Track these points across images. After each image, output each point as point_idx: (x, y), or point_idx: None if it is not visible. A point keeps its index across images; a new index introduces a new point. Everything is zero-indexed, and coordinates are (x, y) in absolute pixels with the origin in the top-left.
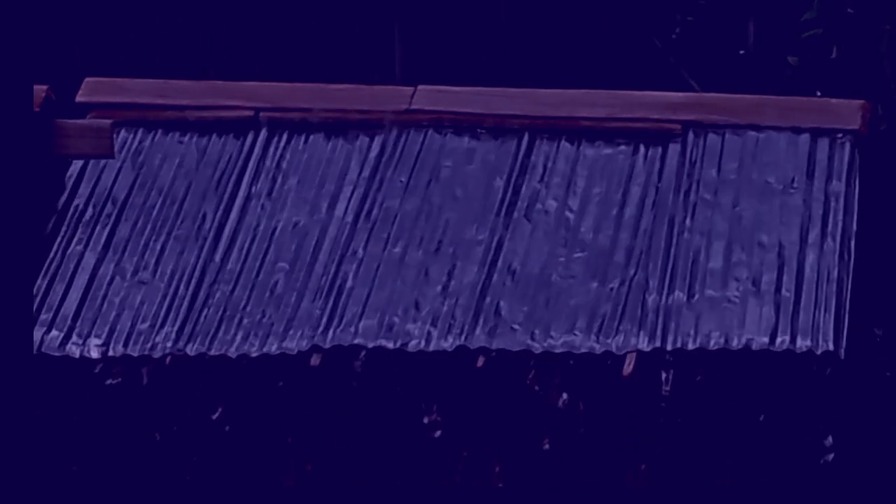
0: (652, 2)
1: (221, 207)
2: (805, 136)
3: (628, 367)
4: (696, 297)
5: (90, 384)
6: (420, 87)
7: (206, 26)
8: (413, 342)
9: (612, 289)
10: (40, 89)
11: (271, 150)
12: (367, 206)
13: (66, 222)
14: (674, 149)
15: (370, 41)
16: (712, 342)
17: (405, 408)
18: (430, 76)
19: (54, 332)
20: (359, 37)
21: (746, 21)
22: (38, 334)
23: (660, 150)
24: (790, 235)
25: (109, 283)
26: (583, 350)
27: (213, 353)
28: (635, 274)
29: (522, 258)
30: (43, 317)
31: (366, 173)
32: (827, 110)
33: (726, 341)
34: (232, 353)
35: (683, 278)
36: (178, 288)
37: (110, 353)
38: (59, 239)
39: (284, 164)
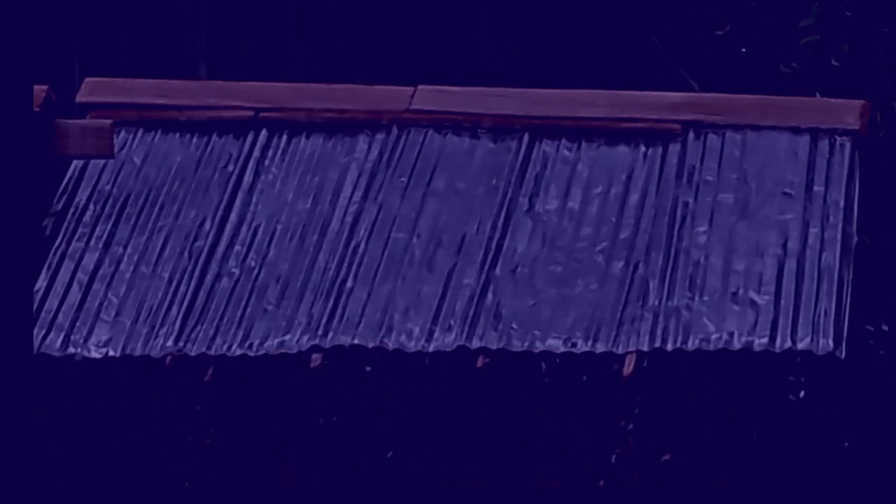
0: (652, 2)
1: (221, 207)
2: (805, 137)
3: (628, 367)
4: (697, 297)
5: (90, 384)
6: (420, 87)
7: (207, 26)
8: (413, 342)
9: (612, 288)
10: (40, 89)
11: (271, 150)
12: (367, 207)
13: (66, 222)
14: (674, 149)
15: (369, 41)
16: (712, 342)
17: (405, 408)
18: (428, 76)
19: (54, 333)
20: (358, 36)
21: (747, 22)
22: (38, 335)
23: (660, 150)
24: (790, 235)
25: (109, 284)
26: (583, 350)
27: (213, 353)
28: (635, 274)
29: (522, 258)
30: (43, 317)
31: (366, 173)
32: (827, 110)
33: (726, 341)
34: (232, 353)
35: (684, 278)
36: (178, 288)
37: (110, 353)
38: (59, 239)
39: (284, 165)
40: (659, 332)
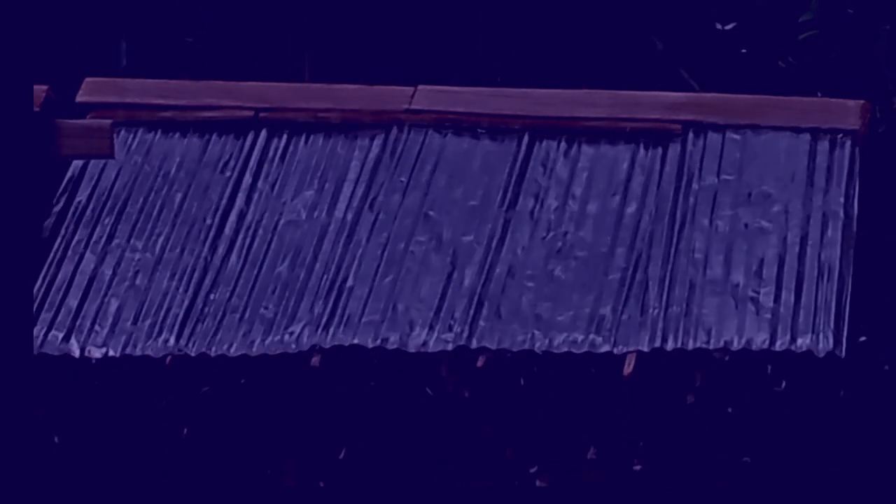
0: (652, 2)
1: (221, 207)
2: (805, 136)
3: (628, 367)
4: (696, 297)
5: (90, 384)
6: (420, 87)
7: (207, 26)
8: (413, 342)
9: (612, 289)
10: (40, 89)
11: (271, 150)
12: (366, 206)
13: (66, 222)
14: (674, 149)
15: (370, 41)
16: (712, 342)
17: (405, 408)
18: (428, 76)
19: (54, 332)
20: (358, 36)
21: (748, 21)
22: (38, 334)
23: (660, 150)
24: (790, 235)
25: (109, 283)
26: (583, 350)
27: (213, 353)
28: (635, 274)
29: (522, 258)
30: (43, 317)
31: (366, 173)
32: (827, 110)
33: (726, 341)
34: (232, 353)
35: (683, 278)
36: (178, 288)
37: (110, 353)
38: (59, 239)
39: (284, 164)
40: (659, 332)
